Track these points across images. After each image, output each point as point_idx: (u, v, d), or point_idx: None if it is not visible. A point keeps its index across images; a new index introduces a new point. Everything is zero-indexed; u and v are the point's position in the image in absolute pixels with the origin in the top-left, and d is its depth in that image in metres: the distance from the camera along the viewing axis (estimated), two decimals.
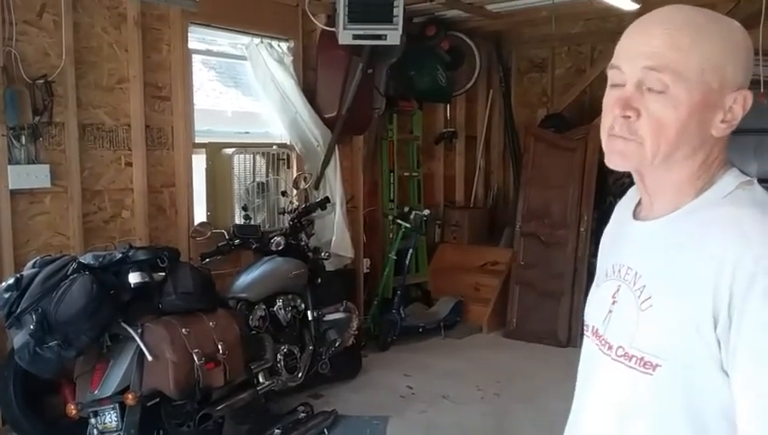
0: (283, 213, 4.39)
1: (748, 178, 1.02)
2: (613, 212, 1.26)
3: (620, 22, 5.50)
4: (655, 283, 1.01)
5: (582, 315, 1.22)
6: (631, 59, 1.00)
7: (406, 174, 5.97)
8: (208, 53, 4.48)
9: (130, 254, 3.04)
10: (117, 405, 2.89)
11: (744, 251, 0.91)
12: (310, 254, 4.14)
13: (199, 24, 4.14)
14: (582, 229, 5.33)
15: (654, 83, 0.97)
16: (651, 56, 0.97)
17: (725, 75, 0.98)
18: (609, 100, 1.03)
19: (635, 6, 4.66)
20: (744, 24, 1.04)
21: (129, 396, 2.86)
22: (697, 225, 0.99)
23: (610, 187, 5.18)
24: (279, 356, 3.69)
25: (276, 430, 3.53)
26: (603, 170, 5.30)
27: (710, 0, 4.73)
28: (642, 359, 0.99)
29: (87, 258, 2.98)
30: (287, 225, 4.20)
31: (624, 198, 1.22)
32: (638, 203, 1.14)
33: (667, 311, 0.97)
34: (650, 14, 1.02)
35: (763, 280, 0.89)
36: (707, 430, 0.96)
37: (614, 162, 1.04)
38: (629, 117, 0.99)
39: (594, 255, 4.83)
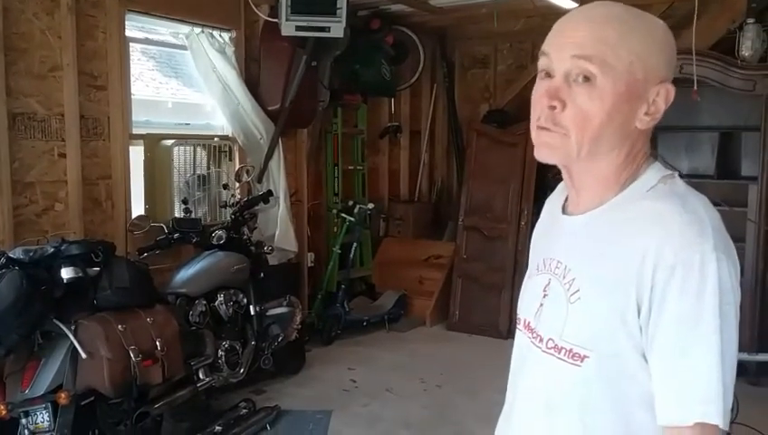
0: (225, 206, 4.31)
1: (670, 171, 1.06)
2: (543, 207, 1.28)
3: None
4: (583, 276, 1.04)
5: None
6: (560, 48, 1.02)
7: (350, 168, 5.95)
8: (147, 41, 4.37)
9: (63, 248, 2.95)
10: (49, 405, 2.80)
11: (665, 243, 0.94)
12: (252, 248, 4.09)
13: (137, 11, 4.02)
14: (523, 223, 5.43)
15: (582, 71, 0.99)
16: (580, 46, 0.99)
17: (649, 67, 1.00)
18: (538, 91, 1.04)
19: (574, 5, 4.76)
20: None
21: (62, 395, 2.77)
22: (622, 219, 1.02)
23: (550, 181, 5.28)
24: (220, 352, 3.64)
25: (217, 427, 3.48)
26: (543, 165, 5.40)
27: (645, 0, 4.90)
28: (571, 351, 1.02)
29: (17, 253, 2.88)
30: (229, 218, 4.12)
31: (554, 193, 1.24)
32: (567, 198, 1.16)
33: (595, 303, 1.01)
34: (577, 9, 1.05)
35: (682, 271, 0.93)
36: (630, 417, 1.00)
37: (542, 154, 1.06)
38: (555, 108, 1.00)
39: None
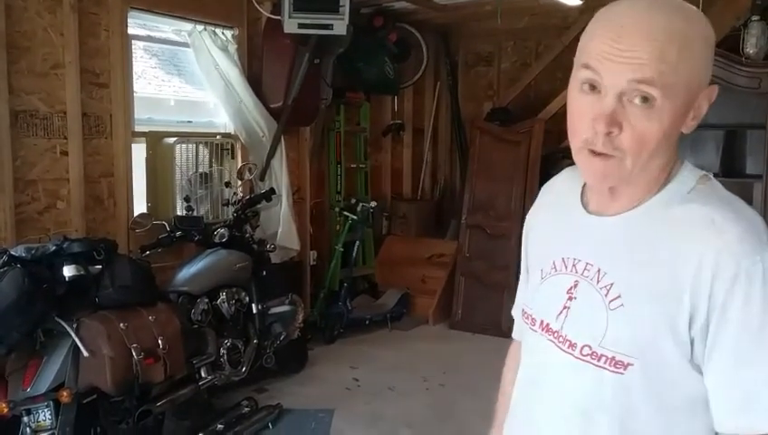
0: (227, 204, 4.31)
1: (703, 171, 1.03)
2: (541, 195, 1.23)
3: (565, 18, 5.59)
4: (623, 282, 0.99)
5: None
6: (614, 67, 0.93)
7: (353, 166, 5.94)
8: (149, 39, 4.36)
9: (65, 246, 2.94)
10: (51, 403, 2.79)
11: (724, 252, 0.91)
12: (254, 246, 4.08)
13: (140, 9, 4.01)
14: None
15: (641, 93, 0.92)
16: (639, 68, 0.91)
17: (703, 77, 0.97)
18: (587, 111, 0.96)
19: (578, 2, 4.74)
20: None
21: (64, 393, 2.76)
22: (666, 222, 0.98)
23: None
24: (222, 350, 3.62)
25: (219, 426, 3.46)
26: (547, 163, 5.40)
27: None
28: (613, 358, 0.97)
29: (19, 251, 2.87)
30: (231, 216, 4.12)
31: (557, 181, 1.20)
32: (583, 192, 1.11)
33: (640, 310, 0.96)
34: (626, 11, 0.95)
35: (744, 281, 0.91)
36: (674, 424, 0.98)
37: (593, 181, 1.03)
38: (612, 132, 0.94)
39: None
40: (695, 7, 0.98)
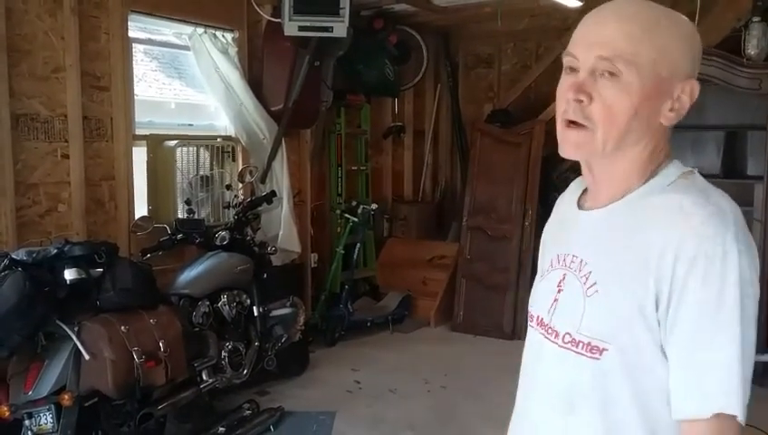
0: (228, 207, 4.31)
1: (690, 168, 1.06)
2: (555, 206, 1.27)
3: (565, 19, 5.59)
4: (600, 269, 1.03)
5: (527, 307, 1.23)
6: (586, 47, 1.02)
7: (354, 168, 5.95)
8: (150, 42, 4.36)
9: (66, 249, 2.95)
10: (53, 406, 2.80)
11: (686, 234, 0.94)
12: (255, 248, 4.08)
13: (140, 12, 4.02)
14: (527, 223, 5.41)
15: (608, 71, 0.99)
16: (604, 45, 1.00)
17: (675, 64, 1.01)
18: (564, 85, 1.05)
19: (578, 4, 4.74)
20: None
21: (66, 396, 2.77)
22: (641, 211, 1.02)
23: (554, 181, 5.26)
24: (223, 353, 3.63)
25: (221, 429, 3.47)
26: (547, 165, 5.40)
27: None
28: (589, 344, 1.01)
29: (20, 254, 2.88)
30: (232, 219, 4.12)
31: (566, 192, 1.24)
32: (582, 193, 1.16)
33: (612, 295, 1.00)
34: (605, 5, 1.05)
35: (704, 262, 0.92)
36: (651, 410, 1.00)
37: (567, 151, 1.06)
38: (582, 101, 1.01)
39: (538, 248, 4.86)
40: (678, 12, 1.05)
